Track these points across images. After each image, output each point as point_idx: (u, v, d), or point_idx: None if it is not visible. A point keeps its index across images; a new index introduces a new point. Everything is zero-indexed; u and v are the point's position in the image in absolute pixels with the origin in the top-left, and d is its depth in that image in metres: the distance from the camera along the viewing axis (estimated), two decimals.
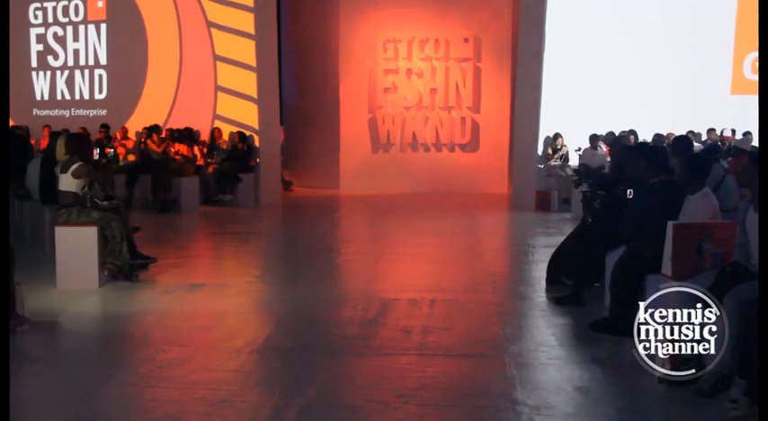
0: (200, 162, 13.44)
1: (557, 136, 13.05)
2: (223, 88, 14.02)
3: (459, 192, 15.75)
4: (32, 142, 13.33)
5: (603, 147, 12.11)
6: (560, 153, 12.90)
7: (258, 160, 13.72)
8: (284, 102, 15.56)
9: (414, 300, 6.83)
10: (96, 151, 8.45)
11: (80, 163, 7.34)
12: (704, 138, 12.66)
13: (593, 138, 12.13)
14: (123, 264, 7.47)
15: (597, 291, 6.67)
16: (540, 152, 13.28)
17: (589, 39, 13.14)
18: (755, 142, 11.22)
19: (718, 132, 12.90)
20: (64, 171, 7.36)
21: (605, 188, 7.05)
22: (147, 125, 13.55)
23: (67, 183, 7.34)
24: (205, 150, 13.70)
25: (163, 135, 13.38)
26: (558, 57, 13.11)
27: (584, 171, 7.88)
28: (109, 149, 8.85)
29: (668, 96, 13.27)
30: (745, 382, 4.17)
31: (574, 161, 12.70)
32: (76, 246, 7.22)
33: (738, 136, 12.63)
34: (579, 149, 12.65)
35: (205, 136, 13.90)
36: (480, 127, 16.09)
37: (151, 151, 13.09)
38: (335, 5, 15.93)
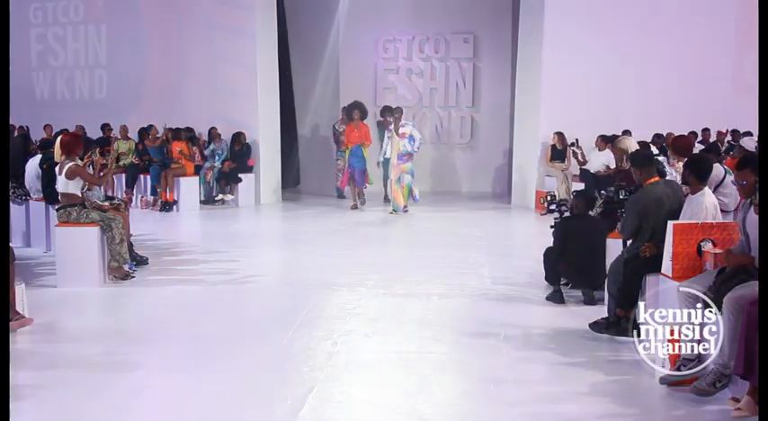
0: (200, 162, 13.44)
1: (556, 135, 13.01)
2: (223, 88, 14.01)
3: (459, 192, 15.77)
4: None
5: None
6: (574, 150, 12.77)
7: (258, 160, 13.71)
8: (284, 102, 15.53)
9: (414, 297, 6.85)
10: (96, 151, 8.47)
11: (73, 163, 7.35)
12: (713, 139, 12.62)
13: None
14: (122, 265, 7.48)
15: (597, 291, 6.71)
16: (539, 152, 13.27)
17: (589, 38, 13.12)
18: (754, 142, 11.21)
19: (714, 132, 12.89)
20: (60, 172, 7.37)
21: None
22: (145, 125, 13.54)
23: (65, 183, 7.35)
24: (201, 150, 13.67)
25: (162, 134, 13.35)
26: (557, 56, 13.10)
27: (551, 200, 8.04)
28: (111, 148, 8.92)
29: (668, 96, 13.26)
30: (747, 382, 4.17)
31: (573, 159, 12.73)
32: (76, 246, 7.23)
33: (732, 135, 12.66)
34: (573, 145, 12.64)
35: (205, 136, 13.89)
36: (480, 126, 16.09)
37: (150, 150, 13.10)
38: (335, 5, 15.92)
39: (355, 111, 12.81)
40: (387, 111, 12.61)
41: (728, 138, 12.68)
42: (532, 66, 13.28)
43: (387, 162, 12.49)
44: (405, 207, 12.08)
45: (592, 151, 12.31)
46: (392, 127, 11.93)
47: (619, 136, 12.19)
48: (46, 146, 9.54)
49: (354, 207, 12.76)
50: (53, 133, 13.34)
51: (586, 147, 12.55)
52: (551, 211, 7.89)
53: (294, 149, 16.22)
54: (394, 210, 12.17)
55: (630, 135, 11.28)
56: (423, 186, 15.44)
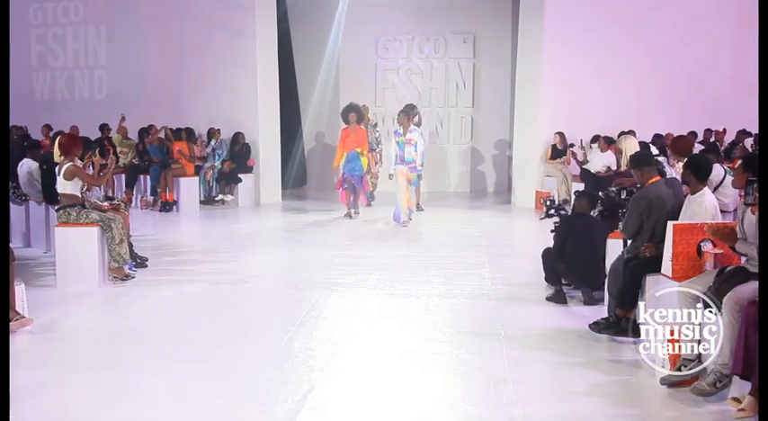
0: (201, 162, 13.45)
1: (557, 135, 13.02)
2: (223, 88, 14.00)
3: (459, 192, 15.77)
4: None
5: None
6: (574, 151, 12.80)
7: (258, 160, 13.71)
8: (288, 102, 15.53)
9: (414, 297, 6.85)
10: (96, 151, 8.46)
11: (71, 164, 7.35)
12: (712, 139, 12.62)
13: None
14: (122, 265, 7.49)
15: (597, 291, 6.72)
16: (539, 152, 13.27)
17: (589, 37, 13.12)
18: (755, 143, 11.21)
19: (713, 132, 12.90)
20: (59, 172, 7.38)
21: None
22: (145, 126, 13.55)
23: (63, 184, 7.35)
24: (201, 149, 13.68)
25: (161, 133, 13.36)
26: (557, 55, 13.10)
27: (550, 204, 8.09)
28: (110, 147, 8.96)
29: (669, 96, 13.27)
30: (748, 382, 4.17)
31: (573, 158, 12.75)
32: (76, 246, 7.24)
33: (731, 135, 12.65)
34: (573, 145, 12.65)
35: (204, 136, 13.89)
36: (480, 126, 16.09)
37: (150, 149, 13.11)
38: (335, 5, 15.93)
39: (351, 115, 11.64)
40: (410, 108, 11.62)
41: (732, 138, 12.66)
42: (532, 66, 13.28)
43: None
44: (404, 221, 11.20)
45: (593, 151, 12.32)
46: (401, 130, 11.07)
47: (622, 134, 12.22)
48: (33, 147, 9.45)
49: (348, 215, 11.79)
50: (51, 134, 13.35)
51: (588, 147, 12.57)
52: (550, 216, 7.90)
53: (300, 149, 16.22)
54: (409, 218, 11.28)
55: (634, 134, 11.31)
56: (423, 186, 15.45)
